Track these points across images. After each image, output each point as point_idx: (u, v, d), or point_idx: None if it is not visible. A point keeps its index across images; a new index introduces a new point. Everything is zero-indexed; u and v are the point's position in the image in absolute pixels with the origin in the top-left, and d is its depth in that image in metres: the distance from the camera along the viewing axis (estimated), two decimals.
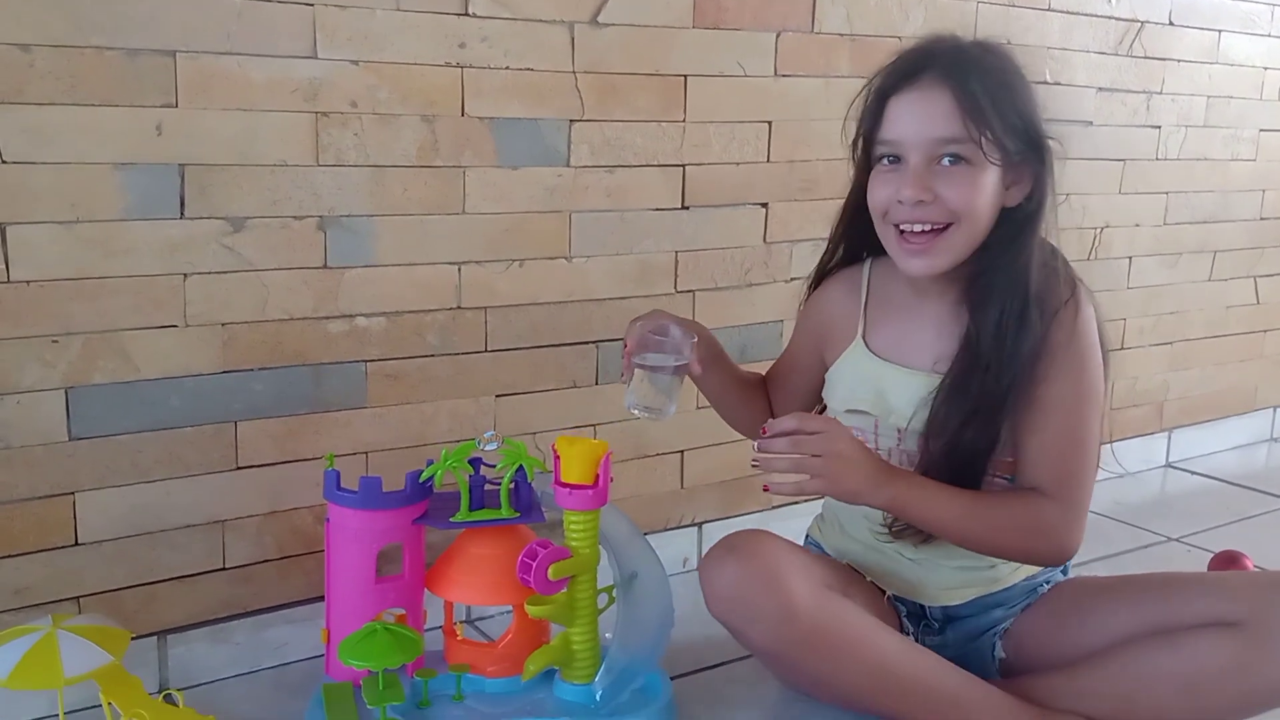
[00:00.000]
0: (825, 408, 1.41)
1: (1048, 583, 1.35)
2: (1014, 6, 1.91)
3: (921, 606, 1.34)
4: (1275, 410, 2.60)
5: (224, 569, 1.38)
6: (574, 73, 1.50)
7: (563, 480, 1.23)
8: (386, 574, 1.30)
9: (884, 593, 1.33)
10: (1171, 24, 2.15)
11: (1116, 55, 2.08)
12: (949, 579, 1.33)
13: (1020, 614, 1.33)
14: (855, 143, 1.26)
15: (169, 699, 1.20)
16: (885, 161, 1.22)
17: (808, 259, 1.73)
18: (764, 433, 1.16)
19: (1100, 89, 2.07)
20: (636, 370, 1.23)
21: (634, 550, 1.32)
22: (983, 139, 1.16)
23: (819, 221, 1.76)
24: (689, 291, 1.67)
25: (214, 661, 1.38)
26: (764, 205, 1.71)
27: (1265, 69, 2.32)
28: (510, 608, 1.33)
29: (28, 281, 1.21)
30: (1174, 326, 2.33)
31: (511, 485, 1.29)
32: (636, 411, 1.24)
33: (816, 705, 1.33)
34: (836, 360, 1.36)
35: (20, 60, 1.17)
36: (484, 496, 1.30)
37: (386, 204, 1.39)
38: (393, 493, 1.27)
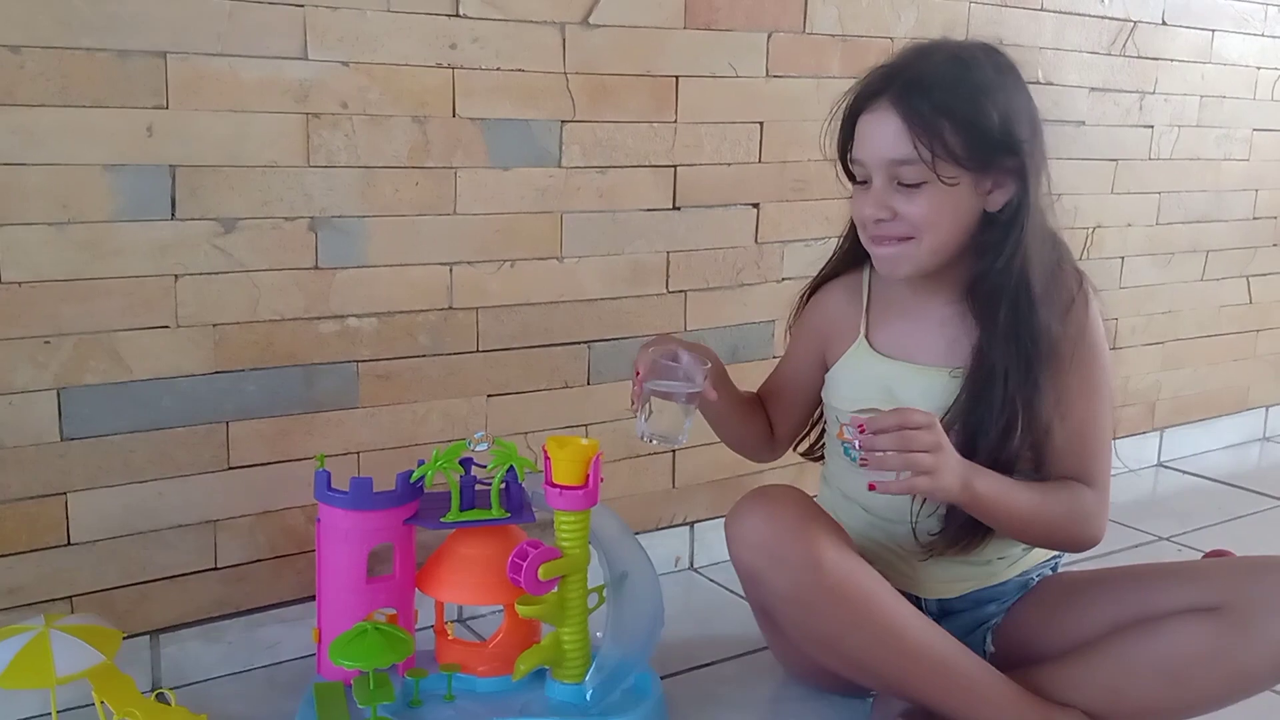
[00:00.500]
0: (823, 415, 1.41)
1: (1037, 577, 1.36)
2: (1006, 7, 1.91)
3: (917, 599, 1.34)
4: (1267, 410, 2.60)
5: (216, 569, 1.38)
6: (565, 73, 1.50)
7: (553, 481, 1.23)
8: (377, 574, 1.30)
9: None
10: (1164, 24, 2.15)
11: (1109, 55, 2.08)
12: (946, 572, 1.33)
13: (1009, 609, 1.34)
14: (839, 158, 1.28)
15: (161, 698, 1.21)
16: (858, 179, 1.25)
17: (799, 259, 1.74)
18: (861, 430, 1.11)
19: (1093, 89, 2.08)
20: (649, 398, 1.22)
21: (624, 550, 1.33)
22: (935, 158, 1.17)
23: (810, 222, 1.76)
24: (680, 292, 1.67)
25: (206, 661, 1.39)
26: (755, 206, 1.71)
27: (1258, 69, 2.32)
28: (501, 607, 1.34)
29: (19, 283, 1.21)
30: (1166, 326, 2.34)
31: (502, 485, 1.29)
32: (649, 439, 1.22)
33: (806, 705, 1.33)
34: (838, 361, 1.36)
35: (10, 61, 1.17)
36: (475, 497, 1.30)
37: (378, 205, 1.40)
38: (383, 493, 1.27)
